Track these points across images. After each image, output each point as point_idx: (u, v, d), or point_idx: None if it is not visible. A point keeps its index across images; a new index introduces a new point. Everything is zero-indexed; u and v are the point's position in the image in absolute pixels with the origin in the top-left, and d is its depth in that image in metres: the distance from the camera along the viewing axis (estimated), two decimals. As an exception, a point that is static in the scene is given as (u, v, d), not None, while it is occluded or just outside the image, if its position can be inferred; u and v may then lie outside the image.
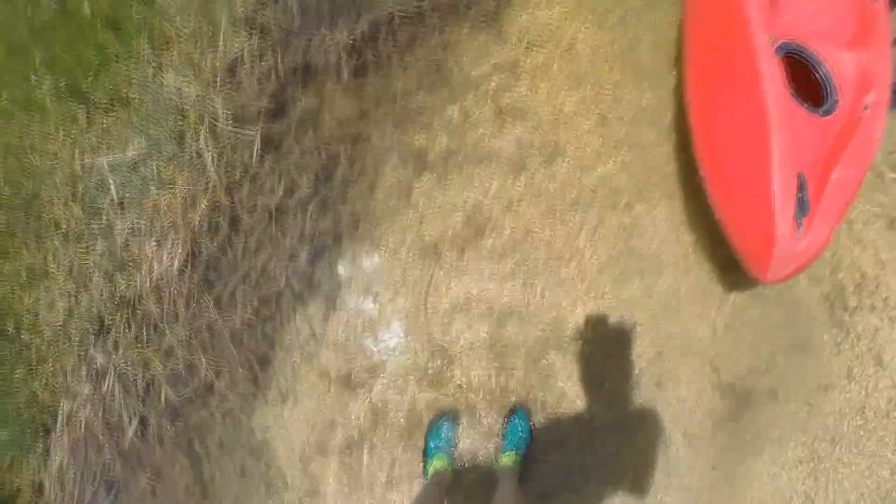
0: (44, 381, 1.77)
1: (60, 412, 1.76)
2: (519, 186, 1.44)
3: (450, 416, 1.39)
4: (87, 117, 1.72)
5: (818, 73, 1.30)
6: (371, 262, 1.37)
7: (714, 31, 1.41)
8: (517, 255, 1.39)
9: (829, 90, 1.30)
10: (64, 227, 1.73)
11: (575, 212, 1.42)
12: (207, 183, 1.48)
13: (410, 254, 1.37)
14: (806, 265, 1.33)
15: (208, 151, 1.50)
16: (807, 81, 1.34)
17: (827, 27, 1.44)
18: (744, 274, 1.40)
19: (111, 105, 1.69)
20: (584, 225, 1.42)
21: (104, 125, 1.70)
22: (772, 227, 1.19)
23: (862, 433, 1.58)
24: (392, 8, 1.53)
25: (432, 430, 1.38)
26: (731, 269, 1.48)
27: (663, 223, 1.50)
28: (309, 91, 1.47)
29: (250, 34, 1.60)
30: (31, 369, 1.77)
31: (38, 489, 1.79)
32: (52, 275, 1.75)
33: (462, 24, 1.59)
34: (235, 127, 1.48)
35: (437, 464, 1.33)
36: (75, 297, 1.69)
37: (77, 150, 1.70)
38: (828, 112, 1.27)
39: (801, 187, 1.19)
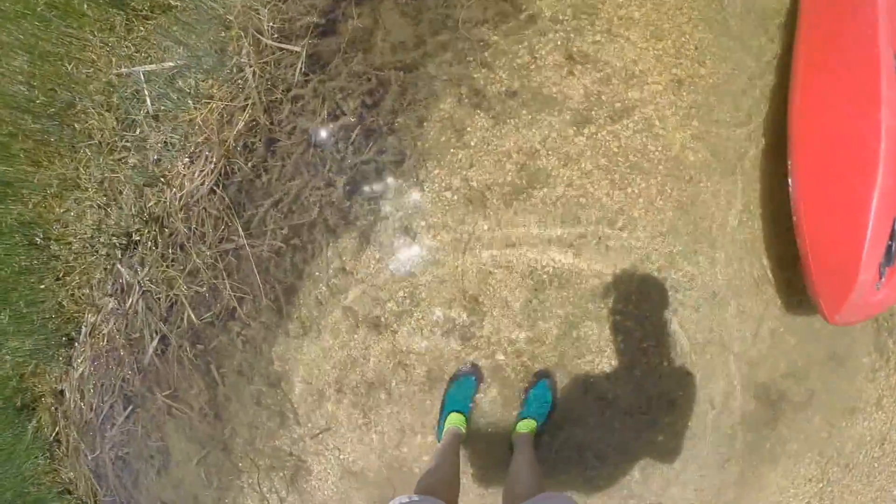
0: (70, 292, 1.79)
1: (84, 324, 1.78)
2: (580, 140, 1.31)
3: (473, 372, 1.34)
4: (126, 24, 1.63)
5: None
6: (412, 200, 1.29)
7: (834, 34, 1.24)
8: (568, 215, 1.28)
9: None
10: (97, 137, 1.69)
11: (635, 176, 1.29)
12: (246, 100, 1.39)
13: (456, 197, 1.27)
14: (875, 315, 1.25)
15: (249, 66, 1.41)
16: None
17: None
18: (800, 282, 1.30)
19: (151, 12, 1.60)
20: (642, 193, 1.29)
21: (143, 33, 1.62)
22: (855, 270, 1.09)
23: (876, 465, 1.51)
24: None
25: (453, 384, 1.33)
26: (788, 271, 1.36)
27: (728, 208, 1.36)
28: (363, 9, 1.35)
29: None
30: (58, 280, 1.78)
31: (59, 396, 1.84)
32: (83, 186, 1.73)
33: None
34: (280, 42, 1.38)
35: (454, 418, 1.29)
36: (105, 209, 1.67)
37: (114, 59, 1.63)
38: None
39: (894, 234, 1.08)
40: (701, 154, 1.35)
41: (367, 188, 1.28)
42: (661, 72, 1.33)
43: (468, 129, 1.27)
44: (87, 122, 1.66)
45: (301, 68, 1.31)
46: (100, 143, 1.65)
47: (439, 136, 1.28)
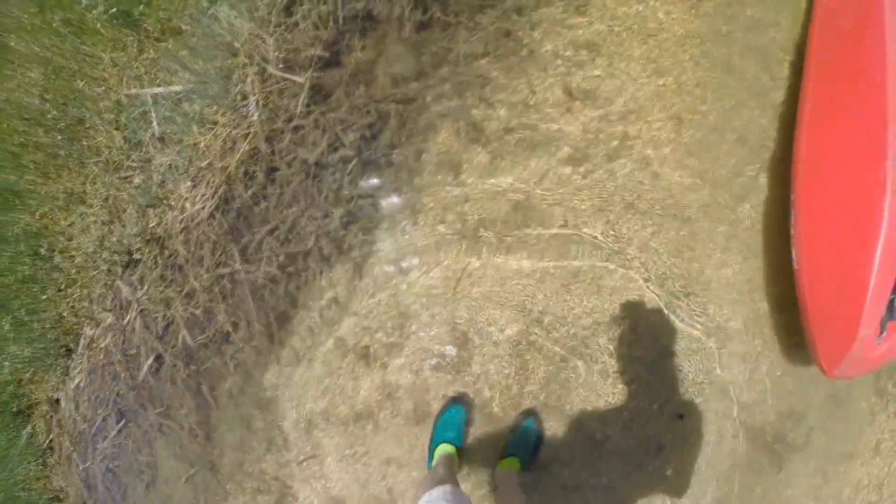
0: (70, 304, 1.82)
1: (83, 336, 1.81)
2: (577, 178, 1.31)
3: (462, 405, 1.33)
4: (138, 45, 1.68)
5: None
6: (407, 234, 1.30)
7: (842, 82, 1.23)
8: (561, 253, 1.29)
9: None
10: (105, 155, 1.72)
11: (631, 216, 1.29)
12: (249, 128, 1.42)
13: (450, 232, 1.29)
14: (875, 370, 1.22)
15: (254, 95, 1.44)
16: None
17: None
18: (798, 328, 1.27)
19: (162, 34, 1.64)
20: (638, 232, 1.29)
21: (153, 55, 1.66)
22: (856, 325, 1.07)
23: (873, 511, 1.49)
24: None
25: (442, 416, 1.32)
26: (787, 314, 1.34)
27: (726, 249, 1.35)
28: (367, 42, 1.37)
29: None
30: (60, 291, 1.81)
31: (55, 405, 1.87)
32: (88, 201, 1.76)
33: None
34: (285, 72, 1.40)
35: (444, 448, 1.28)
36: (109, 226, 1.70)
37: (124, 79, 1.67)
38: None
39: None
40: (699, 194, 1.35)
41: (362, 220, 1.29)
42: (660, 109, 1.34)
43: (465, 164, 1.28)
44: (95, 139, 1.70)
45: (304, 99, 1.34)
46: (107, 160, 1.69)
47: (436, 170, 1.29)
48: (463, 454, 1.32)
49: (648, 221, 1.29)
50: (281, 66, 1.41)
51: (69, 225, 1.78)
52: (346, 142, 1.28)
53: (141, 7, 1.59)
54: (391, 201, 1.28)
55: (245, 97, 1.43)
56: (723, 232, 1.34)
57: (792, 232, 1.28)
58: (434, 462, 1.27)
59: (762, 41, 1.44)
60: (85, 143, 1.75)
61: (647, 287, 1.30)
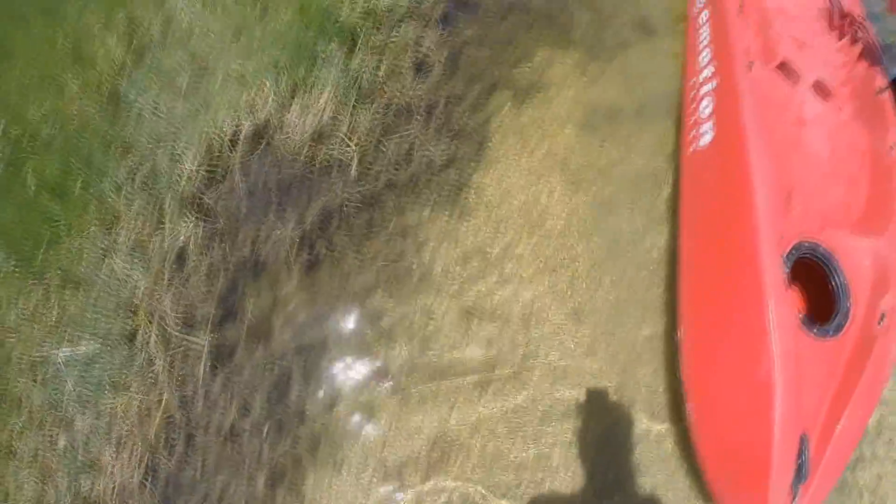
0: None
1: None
2: (486, 402, 1.31)
3: None
4: (44, 294, 1.65)
5: (833, 280, 1.16)
6: (333, 487, 1.29)
7: (715, 233, 1.26)
8: (486, 479, 1.28)
9: (842, 296, 1.15)
10: (26, 409, 1.70)
11: (547, 426, 1.29)
12: (160, 394, 1.41)
13: (374, 478, 1.29)
14: None
15: (159, 359, 1.43)
16: (812, 276, 1.19)
17: (840, 196, 1.29)
18: None
19: (63, 286, 1.62)
20: (557, 441, 1.29)
21: (57, 310, 1.63)
22: (764, 498, 1.05)
23: None
24: (342, 193, 1.40)
25: None
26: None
27: (645, 444, 1.31)
28: (260, 290, 1.37)
29: (196, 219, 1.49)
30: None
31: None
32: (19, 455, 1.73)
33: (423, 204, 1.45)
34: (185, 332, 1.40)
35: None
36: (42, 486, 1.68)
37: (34, 332, 1.65)
38: (839, 328, 1.13)
39: (802, 451, 1.05)
40: (613, 382, 1.36)
41: (286, 479, 1.29)
42: (558, 306, 1.35)
43: (376, 411, 1.29)
44: (16, 389, 1.67)
45: (207, 362, 1.33)
46: (30, 414, 1.65)
47: (347, 420, 1.29)
48: None
49: (566, 425, 1.30)
50: (180, 326, 1.40)
51: (1, 478, 1.73)
52: (255, 405, 1.29)
53: (40, 256, 1.56)
54: (310, 458, 1.28)
55: (152, 362, 1.42)
56: (642, 431, 1.28)
57: (688, 412, 1.27)
58: None
59: (645, 202, 1.47)
60: (8, 393, 1.71)
61: (572, 489, 1.29)
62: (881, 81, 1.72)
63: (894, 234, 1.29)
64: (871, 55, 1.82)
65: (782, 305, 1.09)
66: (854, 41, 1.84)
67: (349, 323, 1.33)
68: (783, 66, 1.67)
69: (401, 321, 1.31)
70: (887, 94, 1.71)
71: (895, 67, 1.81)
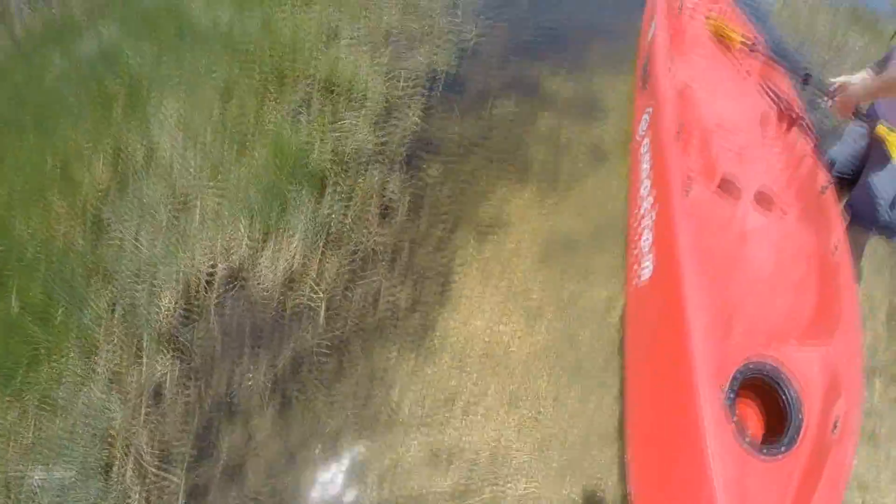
0: None
1: None
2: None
3: None
4: (21, 415, 1.68)
5: (783, 395, 1.17)
6: None
7: (654, 372, 1.30)
8: None
9: (793, 409, 1.16)
10: (7, 528, 1.72)
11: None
12: (135, 530, 1.47)
13: None
14: None
15: (135, 493, 1.48)
16: (769, 390, 1.20)
17: (786, 306, 1.32)
18: None
19: (41, 407, 1.66)
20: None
21: (37, 426, 1.66)
22: None
23: None
24: (311, 339, 1.48)
25: None
26: None
27: None
28: (234, 432, 1.44)
29: (173, 356, 1.56)
30: None
31: None
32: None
33: (389, 347, 1.56)
34: (160, 469, 1.46)
35: None
36: None
37: (11, 446, 1.67)
38: (791, 442, 1.12)
39: None
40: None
41: None
42: (524, 440, 1.42)
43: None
44: (3, 505, 1.69)
45: (182, 500, 1.39)
46: (8, 536, 1.68)
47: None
48: None
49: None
50: (157, 462, 1.46)
51: None
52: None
53: (19, 376, 1.60)
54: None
55: (127, 495, 1.47)
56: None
57: None
58: None
59: (606, 333, 1.54)
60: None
61: None
62: (823, 179, 1.72)
63: (842, 337, 1.28)
64: (813, 152, 1.80)
65: (720, 438, 1.08)
66: (794, 142, 1.85)
67: (321, 463, 1.40)
68: (724, 184, 1.66)
69: (371, 461, 1.38)
70: (830, 192, 1.68)
71: (838, 160, 1.80)
